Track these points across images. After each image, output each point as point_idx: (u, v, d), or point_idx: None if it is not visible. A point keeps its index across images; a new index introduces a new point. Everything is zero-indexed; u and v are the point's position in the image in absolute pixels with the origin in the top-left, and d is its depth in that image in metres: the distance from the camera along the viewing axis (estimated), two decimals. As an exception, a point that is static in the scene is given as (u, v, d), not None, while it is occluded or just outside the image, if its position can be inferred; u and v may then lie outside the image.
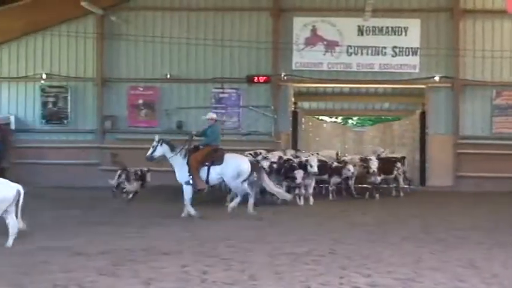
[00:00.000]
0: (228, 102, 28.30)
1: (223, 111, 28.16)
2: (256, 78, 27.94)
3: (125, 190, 21.05)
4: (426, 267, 11.03)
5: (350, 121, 48.94)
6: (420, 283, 9.94)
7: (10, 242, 12.71)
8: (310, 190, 21.58)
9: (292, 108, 29.43)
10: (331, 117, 43.53)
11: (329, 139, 32.88)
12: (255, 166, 19.10)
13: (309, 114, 33.39)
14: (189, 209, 18.02)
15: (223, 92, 28.34)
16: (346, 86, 30.39)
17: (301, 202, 21.13)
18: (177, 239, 14.06)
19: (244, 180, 18.40)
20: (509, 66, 27.93)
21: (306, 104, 34.08)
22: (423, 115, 29.08)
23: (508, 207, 21.43)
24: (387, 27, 28.06)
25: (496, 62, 27.87)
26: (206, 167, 18.39)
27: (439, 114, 28.28)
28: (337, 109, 36.74)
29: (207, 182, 18.51)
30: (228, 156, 18.60)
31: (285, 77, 28.00)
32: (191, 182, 18.25)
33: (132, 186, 21.21)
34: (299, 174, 20.82)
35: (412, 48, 27.97)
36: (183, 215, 17.98)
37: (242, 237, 14.30)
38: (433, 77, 27.92)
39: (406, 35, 27.97)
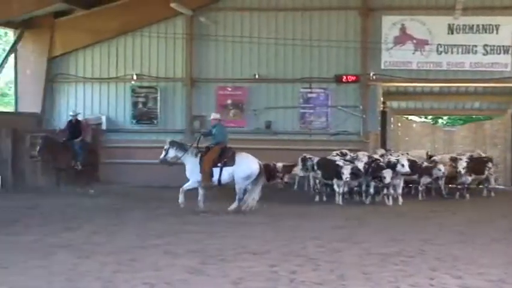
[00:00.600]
0: (316, 102, 28.21)
1: (311, 111, 28.13)
2: (344, 77, 27.75)
3: None
4: (518, 269, 10.87)
5: (440, 121, 48.29)
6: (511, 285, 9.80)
7: None
8: (399, 190, 21.41)
9: (381, 108, 29.23)
10: (420, 117, 43.04)
11: (418, 139, 32.56)
12: (262, 168, 19.40)
13: (398, 113, 33.09)
14: (181, 196, 18.95)
15: (311, 92, 28.28)
16: (436, 85, 29.92)
17: (390, 202, 20.99)
18: (265, 238, 14.13)
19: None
20: None
21: (395, 104, 33.77)
22: (515, 114, 28.61)
23: None
24: (478, 25, 27.56)
25: None
26: (219, 168, 18.98)
27: (531, 113, 27.77)
28: (427, 108, 36.31)
29: (219, 182, 19.05)
30: (239, 157, 19.15)
31: (374, 77, 27.78)
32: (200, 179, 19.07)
33: None
34: (388, 174, 20.67)
35: (503, 46, 27.42)
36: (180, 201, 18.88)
37: (330, 237, 14.28)
38: (526, 75, 27.40)
39: (497, 33, 27.44)
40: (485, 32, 27.47)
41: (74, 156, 23.59)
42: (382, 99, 29.26)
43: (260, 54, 28.47)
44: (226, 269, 10.78)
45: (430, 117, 45.57)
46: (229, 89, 28.57)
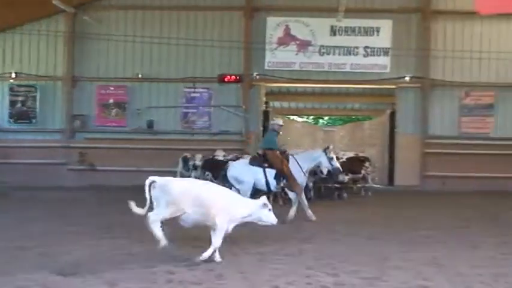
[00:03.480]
0: (199, 101, 28.27)
1: (194, 110, 28.14)
2: (227, 77, 27.81)
3: None
4: (391, 267, 11.07)
5: (321, 121, 49.03)
6: (385, 282, 10.03)
7: None
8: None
9: (264, 108, 29.46)
10: (302, 117, 43.57)
11: (299, 138, 32.92)
12: None
13: (281, 113, 33.42)
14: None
15: (194, 92, 28.29)
16: (318, 86, 30.41)
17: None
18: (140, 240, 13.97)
19: None
20: (478, 67, 28.18)
21: (277, 104, 34.15)
22: (393, 115, 29.25)
23: (474, 207, 21.53)
24: (359, 28, 28.15)
25: (465, 63, 28.16)
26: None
27: (408, 114, 28.45)
28: (308, 108, 36.87)
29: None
30: None
31: (257, 77, 27.98)
32: None
33: None
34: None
35: (383, 48, 28.08)
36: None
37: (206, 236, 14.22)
38: (404, 77, 28.09)
39: (378, 35, 28.07)
40: (366, 34, 28.10)
41: None
42: (264, 99, 29.52)
43: (143, 53, 28.40)
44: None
45: (311, 117, 46.27)
46: (112, 88, 28.30)
